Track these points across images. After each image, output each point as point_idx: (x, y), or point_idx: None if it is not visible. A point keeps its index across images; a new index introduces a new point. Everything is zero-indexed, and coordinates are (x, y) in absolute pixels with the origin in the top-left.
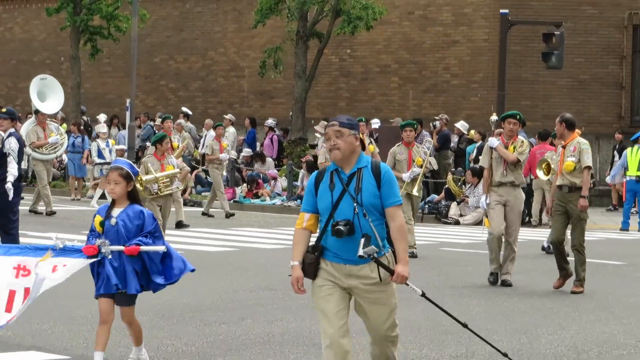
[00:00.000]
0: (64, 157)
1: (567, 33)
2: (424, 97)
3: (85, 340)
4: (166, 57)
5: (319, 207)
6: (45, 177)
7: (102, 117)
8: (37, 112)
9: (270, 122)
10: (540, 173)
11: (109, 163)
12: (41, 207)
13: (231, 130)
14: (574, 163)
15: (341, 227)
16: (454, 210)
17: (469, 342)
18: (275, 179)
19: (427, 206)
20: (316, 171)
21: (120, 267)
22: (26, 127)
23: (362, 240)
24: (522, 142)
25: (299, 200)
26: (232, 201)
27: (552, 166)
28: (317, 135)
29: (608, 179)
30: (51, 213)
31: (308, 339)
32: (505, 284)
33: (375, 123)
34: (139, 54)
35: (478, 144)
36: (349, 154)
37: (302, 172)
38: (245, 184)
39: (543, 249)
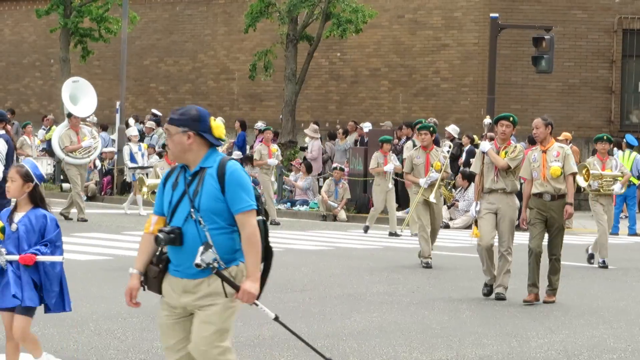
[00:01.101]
0: (97, 161)
1: (557, 37)
2: (414, 101)
3: (75, 342)
4: (156, 59)
5: (164, 208)
6: (79, 182)
7: (132, 120)
8: (69, 115)
9: (260, 125)
10: (580, 179)
11: (142, 167)
12: (73, 211)
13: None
14: (560, 168)
15: (160, 235)
16: (444, 214)
17: (459, 346)
18: None
19: None
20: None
21: (20, 276)
22: (59, 131)
23: (201, 248)
24: (515, 147)
25: (289, 204)
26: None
27: (591, 172)
28: (307, 139)
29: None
30: (83, 220)
31: (298, 342)
32: (499, 297)
33: (367, 127)
34: (128, 57)
35: (467, 148)
36: (181, 154)
37: (293, 174)
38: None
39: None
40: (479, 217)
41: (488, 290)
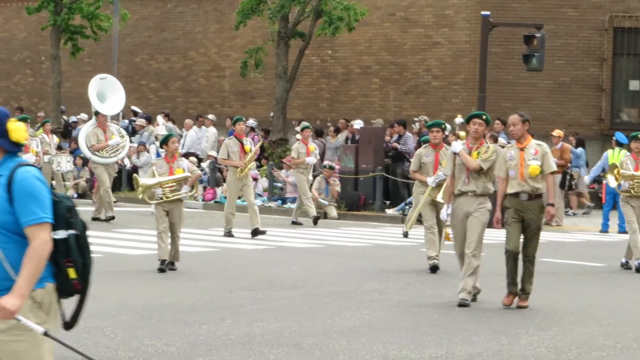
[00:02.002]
0: (126, 160)
1: (548, 35)
2: (405, 99)
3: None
4: (147, 57)
5: None
6: (107, 180)
7: (160, 119)
8: (97, 113)
9: (251, 122)
10: (611, 179)
11: None
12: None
13: (212, 130)
14: (539, 167)
15: None
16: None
17: (449, 343)
18: (256, 179)
19: (407, 207)
20: None
21: None
22: (86, 129)
23: None
24: (488, 147)
25: (280, 201)
26: (212, 202)
27: (622, 171)
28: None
29: (586, 180)
30: (111, 218)
31: (288, 339)
32: (462, 304)
33: (358, 124)
34: (119, 54)
35: None
36: None
37: (284, 172)
38: (225, 184)
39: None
40: (452, 223)
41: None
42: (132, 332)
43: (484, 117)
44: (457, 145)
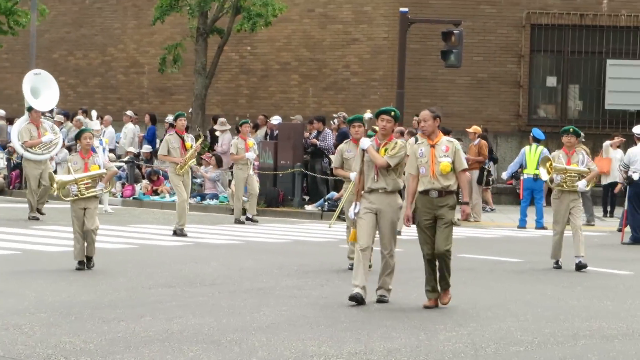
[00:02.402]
0: (58, 156)
1: (466, 32)
2: (324, 95)
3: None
4: (65, 53)
5: None
6: (34, 181)
7: (94, 113)
8: (30, 109)
9: (170, 118)
10: (543, 172)
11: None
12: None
13: (130, 126)
14: (450, 164)
15: None
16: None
17: (368, 339)
18: None
19: (326, 203)
20: None
21: None
22: (18, 125)
23: None
24: (396, 143)
25: (198, 197)
26: (131, 198)
27: (555, 165)
28: (217, 133)
29: (504, 176)
30: (34, 218)
31: (207, 335)
32: (380, 300)
33: (276, 120)
34: (37, 50)
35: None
36: None
37: (203, 168)
38: (145, 180)
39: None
40: (358, 218)
41: (358, 297)
42: (51, 329)
43: (393, 113)
44: (365, 142)
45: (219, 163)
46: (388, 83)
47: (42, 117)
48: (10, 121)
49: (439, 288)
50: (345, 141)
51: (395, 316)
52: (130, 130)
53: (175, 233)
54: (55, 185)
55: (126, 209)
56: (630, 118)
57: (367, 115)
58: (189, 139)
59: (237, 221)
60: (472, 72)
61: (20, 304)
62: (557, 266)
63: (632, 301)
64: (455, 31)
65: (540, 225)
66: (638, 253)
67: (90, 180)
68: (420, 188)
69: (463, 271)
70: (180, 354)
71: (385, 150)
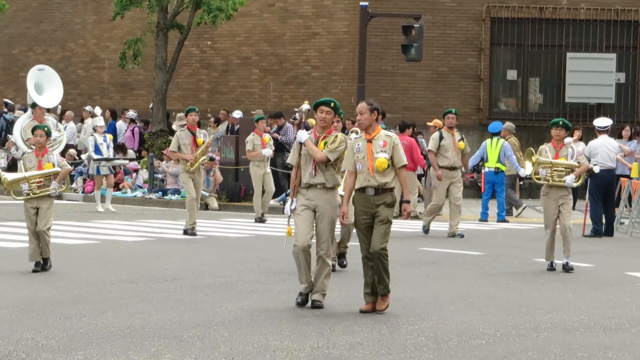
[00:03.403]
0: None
1: (426, 26)
2: (285, 89)
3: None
4: (25, 48)
5: None
6: None
7: (98, 109)
8: (34, 105)
9: (131, 114)
10: (528, 165)
11: (107, 159)
12: None
13: (89, 121)
14: (387, 160)
15: None
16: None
17: (330, 334)
18: (136, 171)
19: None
20: None
21: None
22: (21, 122)
23: None
24: (336, 137)
25: (160, 192)
26: (92, 194)
27: (539, 158)
28: (174, 127)
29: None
30: None
31: (169, 331)
32: (315, 305)
33: (237, 114)
34: None
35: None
36: None
37: (165, 163)
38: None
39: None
40: (294, 215)
41: (303, 299)
42: (12, 325)
43: (332, 104)
44: (303, 135)
45: None
46: (349, 77)
47: (46, 114)
48: None
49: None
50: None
51: (357, 310)
52: (90, 125)
53: (185, 232)
54: (4, 184)
55: (87, 204)
56: (590, 111)
57: (305, 106)
58: (201, 134)
59: (258, 219)
60: (433, 66)
61: None
62: (551, 268)
63: (593, 293)
64: (415, 25)
65: (501, 218)
66: (599, 245)
67: (42, 179)
68: (357, 185)
69: (426, 264)
70: (143, 350)
71: (325, 143)
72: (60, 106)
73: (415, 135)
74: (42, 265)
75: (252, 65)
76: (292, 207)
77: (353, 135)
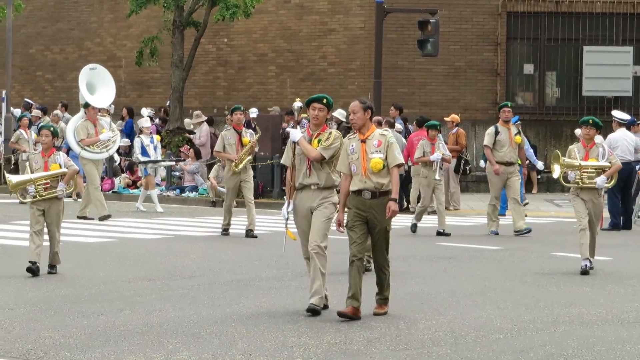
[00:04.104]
0: (116, 156)
1: (442, 20)
2: (302, 86)
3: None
4: (42, 47)
5: None
6: (97, 178)
7: (145, 111)
8: (86, 105)
9: (148, 112)
10: (556, 168)
11: (153, 161)
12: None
13: (107, 119)
14: (382, 160)
15: None
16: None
17: (347, 329)
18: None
19: None
20: None
21: None
22: (74, 123)
23: None
24: (330, 134)
25: (178, 190)
26: (110, 192)
27: (566, 160)
28: (191, 126)
29: (482, 164)
30: (105, 217)
31: (187, 328)
32: (310, 308)
33: (253, 112)
34: (14, 45)
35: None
36: None
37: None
38: (124, 174)
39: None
40: (295, 221)
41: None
42: (30, 324)
43: (325, 100)
44: (296, 134)
45: (198, 155)
46: (365, 73)
47: (99, 114)
48: None
49: (360, 298)
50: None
51: (374, 305)
52: (106, 122)
53: (225, 231)
54: (10, 186)
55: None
56: (607, 104)
57: (297, 104)
58: (248, 134)
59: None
60: (449, 61)
61: (0, 300)
62: (586, 269)
63: (611, 287)
64: (431, 20)
65: (502, 212)
66: (617, 239)
67: (49, 181)
68: (352, 188)
69: (443, 259)
70: (160, 347)
71: (319, 141)
72: (113, 106)
73: None
74: (49, 268)
75: (268, 62)
76: (289, 209)
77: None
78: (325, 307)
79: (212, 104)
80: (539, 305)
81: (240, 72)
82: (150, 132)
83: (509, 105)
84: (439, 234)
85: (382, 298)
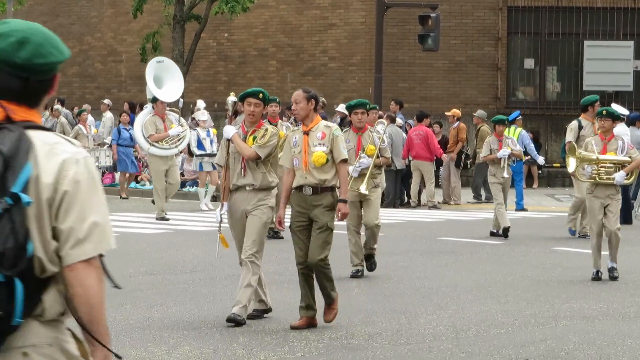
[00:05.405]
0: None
1: (442, 15)
2: (302, 80)
3: None
4: None
5: None
6: (162, 179)
7: (201, 103)
8: (154, 100)
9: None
10: (572, 162)
11: (210, 155)
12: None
13: (108, 115)
14: (325, 154)
15: None
16: None
17: (349, 324)
18: None
19: None
20: None
21: None
22: (142, 119)
23: None
24: (266, 130)
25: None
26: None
27: (582, 153)
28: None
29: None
30: (162, 219)
31: (188, 323)
32: (230, 318)
33: None
34: None
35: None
36: None
37: (182, 155)
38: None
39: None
40: (230, 224)
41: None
42: None
43: (261, 95)
44: (230, 130)
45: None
46: (366, 67)
47: (167, 108)
48: None
49: (315, 306)
50: (344, 130)
51: (376, 300)
52: (109, 118)
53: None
54: None
55: (107, 197)
56: (608, 99)
57: (231, 98)
58: (284, 127)
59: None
60: (450, 56)
61: None
62: (597, 277)
63: (612, 282)
64: (432, 15)
65: (520, 207)
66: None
67: None
68: (295, 184)
69: (444, 254)
70: (162, 342)
71: (254, 138)
72: (182, 99)
73: (432, 125)
74: None
75: (269, 57)
76: (222, 212)
77: (380, 127)
78: (265, 311)
79: (213, 99)
80: (540, 300)
81: (241, 66)
82: (206, 125)
83: (597, 99)
84: (492, 234)
85: (327, 297)
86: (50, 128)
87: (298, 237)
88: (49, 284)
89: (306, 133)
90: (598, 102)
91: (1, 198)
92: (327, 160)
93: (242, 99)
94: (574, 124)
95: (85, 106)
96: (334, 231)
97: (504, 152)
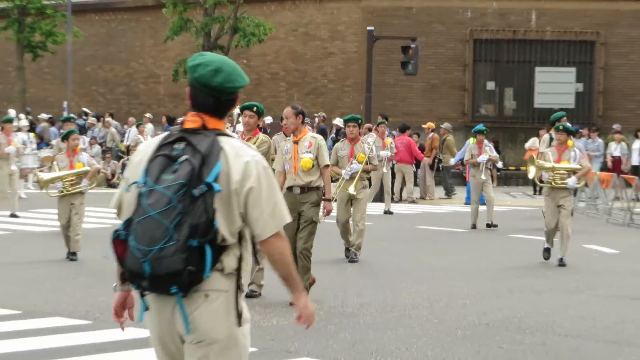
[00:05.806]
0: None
1: (421, 46)
2: (307, 99)
3: (34, 298)
4: (96, 66)
5: None
6: None
7: (237, 111)
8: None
9: (182, 119)
10: (532, 170)
11: None
12: None
13: (149, 126)
14: (311, 160)
15: None
16: None
17: (344, 296)
18: None
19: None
20: None
21: None
22: None
23: None
24: (258, 138)
25: None
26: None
27: (539, 162)
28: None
29: (451, 162)
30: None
31: None
32: (248, 295)
33: (268, 119)
34: (73, 64)
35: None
36: None
37: None
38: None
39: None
40: None
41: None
42: (88, 290)
43: (255, 108)
44: None
45: None
46: (359, 88)
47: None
48: (52, 123)
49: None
50: (340, 140)
51: (366, 277)
52: (150, 129)
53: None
54: (40, 183)
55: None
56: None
57: (236, 111)
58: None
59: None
60: (427, 79)
61: (64, 271)
62: (547, 254)
63: (557, 262)
64: (412, 45)
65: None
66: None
67: (75, 177)
68: (286, 185)
69: (421, 240)
70: None
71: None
72: (237, 110)
73: (411, 135)
74: (71, 255)
75: (279, 80)
76: None
77: (370, 140)
78: (257, 295)
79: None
80: (499, 277)
81: (257, 87)
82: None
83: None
84: (488, 226)
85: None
86: (232, 135)
87: (289, 231)
88: (227, 249)
89: (296, 142)
90: (565, 118)
91: (199, 185)
92: (313, 165)
93: (241, 110)
94: (546, 136)
95: (145, 119)
96: (328, 222)
97: (483, 157)
